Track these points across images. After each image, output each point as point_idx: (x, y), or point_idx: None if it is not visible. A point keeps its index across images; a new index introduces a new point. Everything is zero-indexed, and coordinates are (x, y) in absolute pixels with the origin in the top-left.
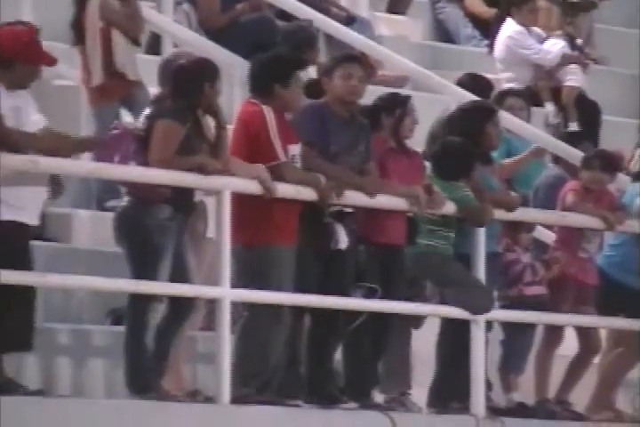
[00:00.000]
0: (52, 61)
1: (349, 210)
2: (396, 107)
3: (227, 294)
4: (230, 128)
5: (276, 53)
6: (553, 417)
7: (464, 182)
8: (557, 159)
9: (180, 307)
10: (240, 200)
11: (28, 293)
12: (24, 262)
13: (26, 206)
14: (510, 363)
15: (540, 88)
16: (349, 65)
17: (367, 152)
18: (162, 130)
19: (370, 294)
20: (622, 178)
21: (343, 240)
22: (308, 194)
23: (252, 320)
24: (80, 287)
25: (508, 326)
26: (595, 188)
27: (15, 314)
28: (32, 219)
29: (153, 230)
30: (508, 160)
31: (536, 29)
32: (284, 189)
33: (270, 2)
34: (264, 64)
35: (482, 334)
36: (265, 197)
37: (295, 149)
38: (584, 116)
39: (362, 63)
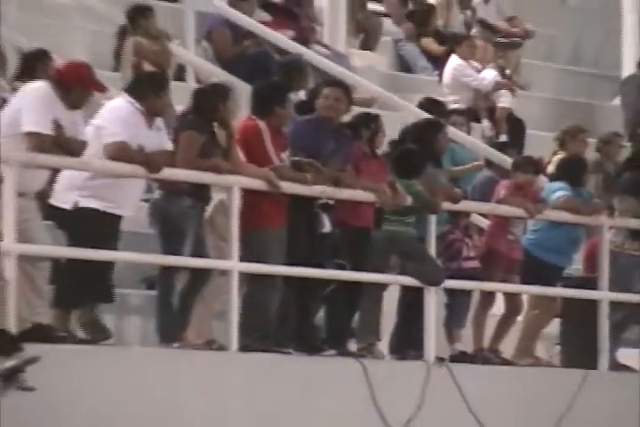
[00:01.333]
0: (102, 89)
1: (332, 202)
2: (371, 123)
3: (235, 266)
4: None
5: (274, 81)
6: (487, 363)
7: (417, 180)
8: (490, 164)
9: (198, 276)
10: (255, 196)
11: (107, 265)
12: (105, 244)
13: (119, 199)
14: (453, 320)
15: (478, 108)
16: (329, 88)
17: (347, 156)
18: (185, 139)
19: (340, 268)
20: (542, 178)
21: (327, 225)
22: (298, 189)
23: (254, 287)
24: (123, 260)
25: (451, 292)
26: (527, 187)
27: (100, 278)
28: (122, 210)
29: (177, 216)
30: (455, 169)
31: (474, 62)
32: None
33: (269, 40)
34: (266, 90)
35: (433, 298)
36: (272, 192)
37: (285, 155)
38: (512, 130)
39: (342, 88)
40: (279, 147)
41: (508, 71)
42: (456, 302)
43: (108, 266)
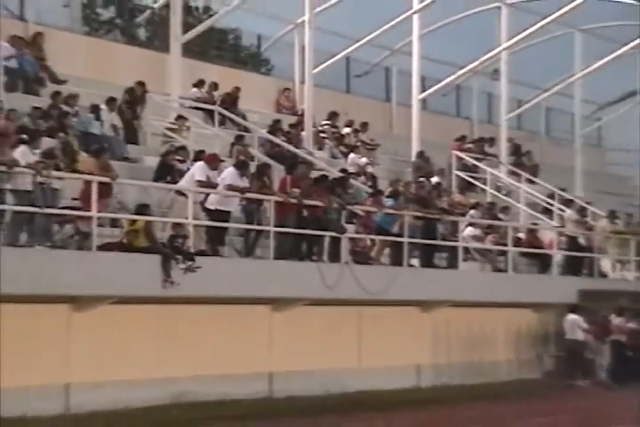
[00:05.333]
0: (222, 161)
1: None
2: (326, 179)
3: (272, 229)
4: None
5: (294, 162)
6: (364, 264)
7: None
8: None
9: (259, 232)
10: (280, 203)
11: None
12: (225, 221)
13: (230, 204)
14: (354, 249)
15: (360, 172)
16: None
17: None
18: (254, 184)
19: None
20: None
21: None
22: (294, 200)
23: (279, 237)
24: (232, 226)
25: (351, 238)
26: (378, 201)
27: (222, 234)
28: (231, 209)
29: (251, 211)
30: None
31: (359, 155)
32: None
33: (285, 146)
34: (292, 165)
35: (345, 240)
36: (285, 202)
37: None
38: (372, 181)
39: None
40: (294, 186)
41: (371, 158)
42: (354, 242)
43: (224, 230)
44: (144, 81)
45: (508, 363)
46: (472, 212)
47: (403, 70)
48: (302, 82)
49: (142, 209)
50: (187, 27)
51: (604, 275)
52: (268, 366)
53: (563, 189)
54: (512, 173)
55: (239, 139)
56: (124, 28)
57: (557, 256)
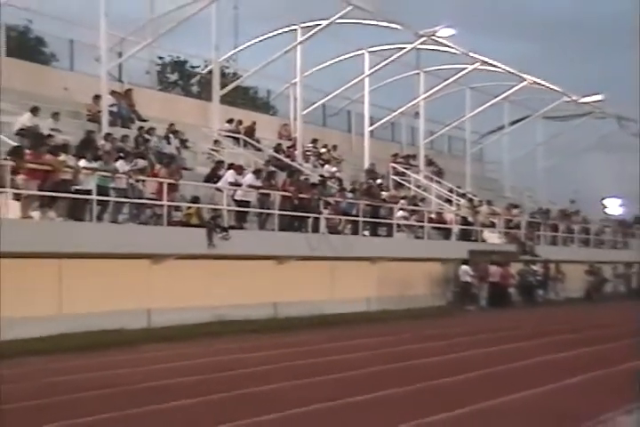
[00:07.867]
0: (244, 169)
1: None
2: (309, 180)
3: (276, 212)
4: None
5: (292, 170)
6: (335, 233)
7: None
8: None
9: (268, 215)
10: (282, 196)
11: (246, 213)
12: (246, 207)
13: (249, 196)
14: (328, 224)
15: (332, 177)
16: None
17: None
18: (265, 184)
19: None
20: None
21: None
22: (291, 194)
23: (281, 218)
24: (249, 210)
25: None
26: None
27: (245, 215)
28: (249, 199)
29: (264, 200)
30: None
31: (330, 166)
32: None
33: (286, 161)
34: (291, 171)
35: (322, 219)
36: (285, 195)
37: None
38: (340, 184)
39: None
40: (291, 185)
41: (339, 168)
42: (328, 220)
43: (246, 213)
44: (190, 122)
45: (424, 296)
46: (402, 201)
47: (358, 113)
48: (295, 119)
49: (195, 200)
50: (223, 85)
51: (484, 240)
52: (273, 297)
53: (458, 187)
54: (427, 177)
55: (267, 163)
56: (184, 86)
57: (455, 229)
